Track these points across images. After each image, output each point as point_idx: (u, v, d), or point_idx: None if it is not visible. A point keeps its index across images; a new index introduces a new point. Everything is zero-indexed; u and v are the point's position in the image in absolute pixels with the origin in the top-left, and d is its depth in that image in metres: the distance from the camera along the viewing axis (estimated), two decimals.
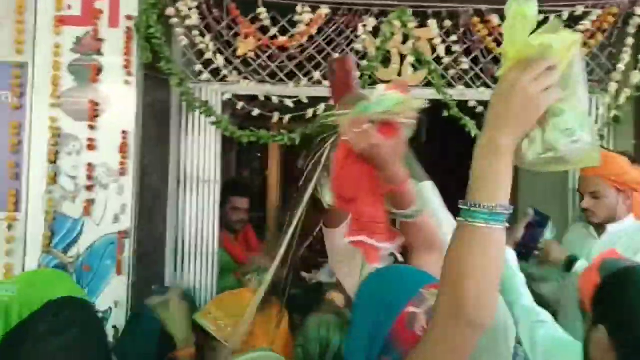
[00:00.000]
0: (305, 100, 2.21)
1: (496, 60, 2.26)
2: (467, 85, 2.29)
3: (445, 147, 3.81)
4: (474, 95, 2.27)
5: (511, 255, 1.71)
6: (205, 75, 2.25)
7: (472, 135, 2.18)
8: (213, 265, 2.35)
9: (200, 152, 2.34)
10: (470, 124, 2.20)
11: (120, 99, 2.14)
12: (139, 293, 2.12)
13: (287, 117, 2.24)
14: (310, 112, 2.19)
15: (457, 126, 2.24)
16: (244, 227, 2.90)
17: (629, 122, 2.37)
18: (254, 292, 1.99)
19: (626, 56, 2.23)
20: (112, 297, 2.09)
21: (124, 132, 2.12)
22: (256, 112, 2.19)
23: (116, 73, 2.13)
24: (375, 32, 2.22)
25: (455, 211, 0.81)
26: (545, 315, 1.48)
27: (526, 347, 1.38)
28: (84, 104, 2.12)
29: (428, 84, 2.24)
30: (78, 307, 1.22)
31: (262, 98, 2.23)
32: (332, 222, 1.40)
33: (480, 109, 2.22)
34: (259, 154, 4.32)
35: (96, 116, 2.12)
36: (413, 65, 2.24)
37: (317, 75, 2.21)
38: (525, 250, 1.88)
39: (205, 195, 2.35)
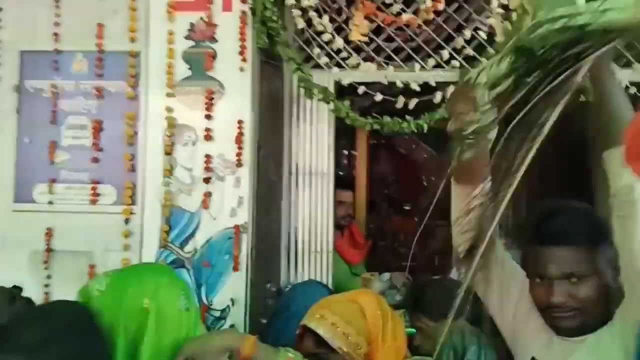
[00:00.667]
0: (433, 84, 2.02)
1: None
2: None
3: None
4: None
5: None
6: (320, 61, 2.10)
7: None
8: (328, 265, 2.20)
9: (312, 142, 2.22)
10: None
11: (235, 87, 2.02)
12: (256, 291, 2.01)
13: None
14: (438, 96, 2.00)
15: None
16: (349, 223, 2.75)
17: None
18: (372, 295, 1.80)
19: None
20: (229, 294, 1.98)
21: (239, 121, 2.01)
22: (379, 97, 2.01)
23: (231, 60, 2.02)
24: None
25: None
26: None
27: None
28: (199, 92, 2.02)
29: None
30: (73, 313, 1.01)
31: (385, 82, 2.06)
32: (465, 177, 1.16)
33: (632, 90, 1.95)
34: (346, 150, 4.14)
35: (211, 105, 2.02)
36: None
37: (445, 54, 2.02)
38: None
39: (317, 189, 2.22)
